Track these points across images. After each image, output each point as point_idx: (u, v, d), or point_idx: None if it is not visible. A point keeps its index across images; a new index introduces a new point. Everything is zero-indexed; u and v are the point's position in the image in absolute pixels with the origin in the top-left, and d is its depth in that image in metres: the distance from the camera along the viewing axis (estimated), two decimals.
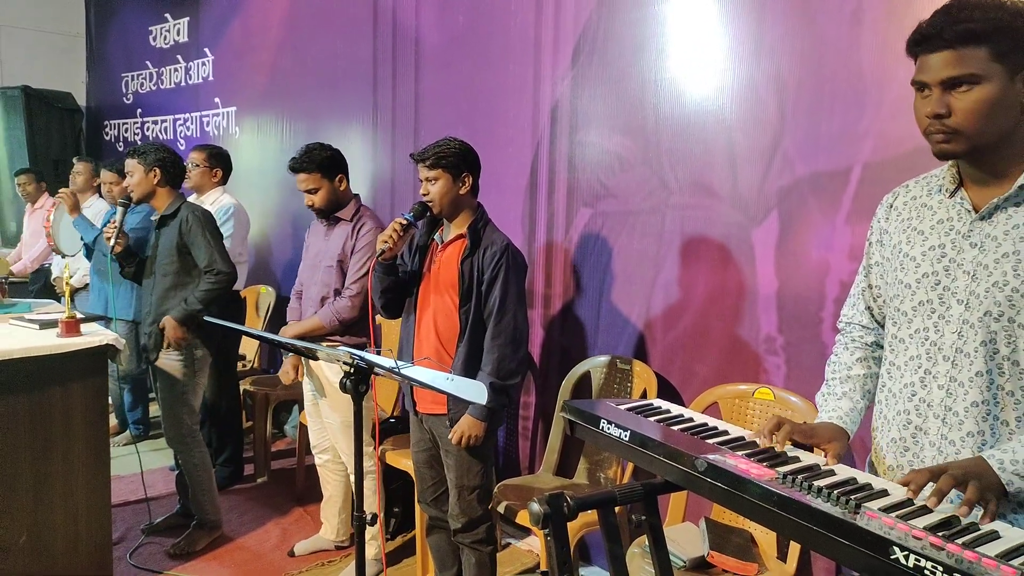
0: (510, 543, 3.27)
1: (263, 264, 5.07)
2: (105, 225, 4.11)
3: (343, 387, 1.78)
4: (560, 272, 3.17)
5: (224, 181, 3.98)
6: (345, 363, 1.75)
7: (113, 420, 4.79)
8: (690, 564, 2.19)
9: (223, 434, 3.97)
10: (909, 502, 1.19)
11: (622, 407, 1.67)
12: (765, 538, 2.35)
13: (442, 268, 2.47)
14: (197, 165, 3.84)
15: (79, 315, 2.76)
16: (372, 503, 3.01)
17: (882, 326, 1.56)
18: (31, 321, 2.81)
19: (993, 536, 1.08)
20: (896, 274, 1.46)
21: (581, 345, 3.10)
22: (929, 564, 0.98)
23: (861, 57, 2.23)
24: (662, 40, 2.76)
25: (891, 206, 1.53)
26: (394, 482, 3.26)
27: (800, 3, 2.37)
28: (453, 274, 2.43)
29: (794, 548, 2.25)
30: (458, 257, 2.43)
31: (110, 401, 4.81)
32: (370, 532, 2.99)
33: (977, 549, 1.03)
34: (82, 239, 4.07)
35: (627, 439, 1.49)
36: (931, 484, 1.18)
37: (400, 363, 1.68)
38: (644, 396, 2.72)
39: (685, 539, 2.31)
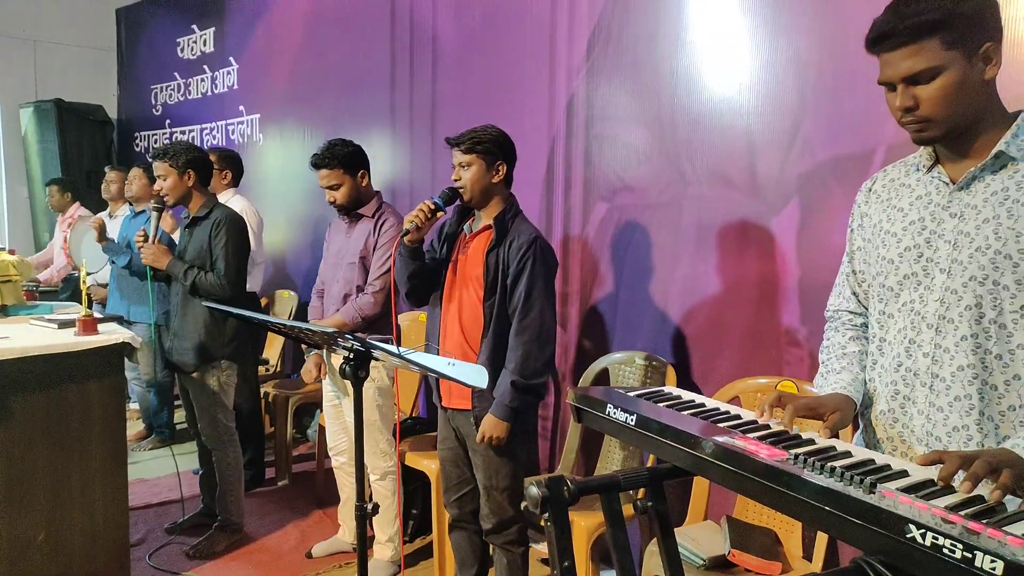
0: (530, 546, 3.20)
1: (285, 268, 5.10)
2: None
3: (342, 372, 1.74)
4: (577, 268, 3.11)
5: (235, 183, 3.99)
6: (344, 348, 1.71)
7: (140, 425, 4.84)
8: (710, 563, 2.11)
9: (244, 437, 3.95)
10: (930, 483, 1.11)
11: (631, 394, 1.61)
12: (790, 537, 2.25)
13: (468, 260, 2.40)
14: None
15: (97, 314, 2.78)
16: (390, 504, 2.97)
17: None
18: (50, 321, 2.84)
19: (1021, 516, 1.00)
20: (879, 251, 1.48)
21: (600, 342, 3.04)
22: (948, 542, 0.90)
23: None
24: (677, 27, 2.70)
25: (870, 190, 1.56)
26: (412, 484, 3.22)
27: None
28: (478, 266, 2.35)
29: (820, 546, 2.16)
30: (484, 249, 2.35)
31: (138, 406, 4.89)
32: (386, 534, 2.96)
33: (1004, 528, 0.95)
34: (112, 260, 4.10)
35: (633, 423, 1.43)
36: (963, 471, 1.12)
37: (402, 348, 1.63)
38: None
39: (705, 537, 2.23)
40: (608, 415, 1.49)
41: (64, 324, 2.79)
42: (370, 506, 1.83)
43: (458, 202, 2.38)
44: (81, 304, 2.73)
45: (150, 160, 3.50)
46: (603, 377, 2.91)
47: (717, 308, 2.63)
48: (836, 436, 1.35)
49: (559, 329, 3.19)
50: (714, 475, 1.27)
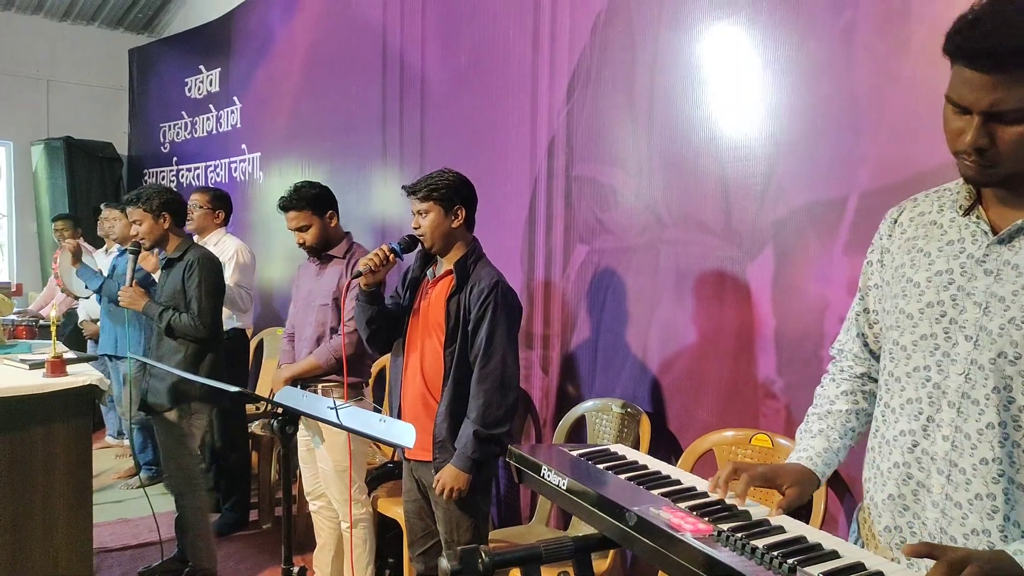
0: None
1: (282, 307, 5.08)
2: (111, 274, 4.18)
3: (270, 428, 1.69)
4: (558, 311, 3.05)
5: (226, 223, 4.00)
6: (273, 404, 1.66)
7: (130, 463, 4.80)
8: None
9: (230, 479, 3.91)
10: (859, 566, 1.02)
11: (574, 452, 1.53)
12: None
13: (431, 306, 2.36)
14: (200, 207, 3.87)
15: (68, 355, 2.76)
16: (362, 553, 2.89)
17: (877, 358, 1.37)
18: (22, 361, 2.83)
19: None
20: (896, 301, 1.25)
21: (579, 387, 2.96)
22: None
23: (854, 78, 2.09)
24: (653, 72, 2.66)
25: (895, 221, 1.32)
26: (388, 531, 3.13)
27: (790, 25, 2.24)
28: (440, 313, 2.31)
29: None
30: (446, 295, 2.31)
31: (128, 443, 4.85)
32: None
33: None
34: (86, 286, 4.11)
35: (565, 487, 1.35)
36: None
37: (340, 404, 1.57)
38: (637, 442, 2.55)
39: None
40: (543, 477, 1.42)
41: (35, 365, 2.77)
42: (296, 569, 1.75)
43: (418, 248, 2.35)
44: (82, 346, 2.72)
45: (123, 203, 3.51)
46: (580, 424, 2.83)
47: (694, 356, 2.54)
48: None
49: (541, 373, 3.12)
50: (638, 548, 1.19)
